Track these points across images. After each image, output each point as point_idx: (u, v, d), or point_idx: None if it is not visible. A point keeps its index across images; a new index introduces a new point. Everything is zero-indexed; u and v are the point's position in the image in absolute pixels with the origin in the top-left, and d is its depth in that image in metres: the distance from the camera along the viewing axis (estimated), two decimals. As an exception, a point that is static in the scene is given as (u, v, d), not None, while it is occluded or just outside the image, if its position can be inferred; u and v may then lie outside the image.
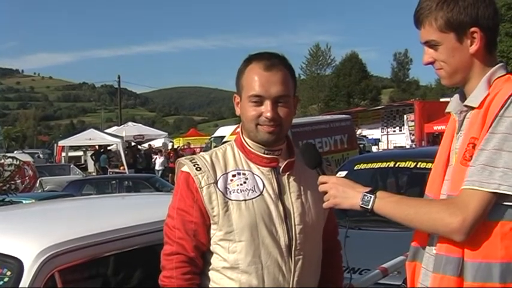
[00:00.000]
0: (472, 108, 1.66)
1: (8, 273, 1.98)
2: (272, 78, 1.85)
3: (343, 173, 5.48)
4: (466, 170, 1.58)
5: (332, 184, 1.75)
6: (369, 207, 1.66)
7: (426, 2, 1.68)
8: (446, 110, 1.79)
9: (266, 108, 1.84)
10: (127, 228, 2.34)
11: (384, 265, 2.96)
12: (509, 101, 1.54)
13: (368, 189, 1.69)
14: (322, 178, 1.80)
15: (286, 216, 1.87)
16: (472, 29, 1.63)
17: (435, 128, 24.90)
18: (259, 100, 1.85)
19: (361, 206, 1.67)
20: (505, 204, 1.53)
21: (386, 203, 1.65)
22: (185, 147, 29.54)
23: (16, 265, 1.98)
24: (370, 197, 1.66)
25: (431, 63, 1.71)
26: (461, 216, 1.52)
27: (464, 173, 1.58)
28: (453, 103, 1.77)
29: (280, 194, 1.88)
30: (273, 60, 1.88)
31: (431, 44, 1.69)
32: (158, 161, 25.07)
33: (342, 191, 1.72)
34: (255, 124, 1.86)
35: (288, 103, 1.88)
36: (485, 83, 1.64)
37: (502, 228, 1.54)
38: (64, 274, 2.04)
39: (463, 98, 1.73)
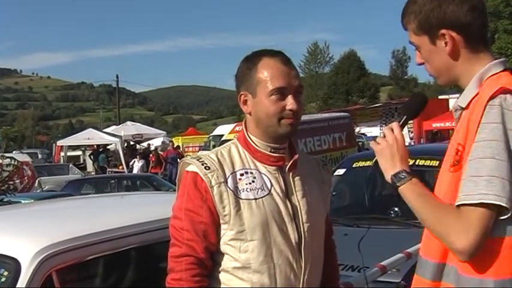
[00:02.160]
0: (462, 108, 1.62)
1: (5, 273, 1.97)
2: (291, 71, 1.87)
3: (342, 171, 5.48)
4: (451, 177, 1.54)
5: (391, 141, 1.67)
6: (398, 184, 1.60)
7: (407, 4, 1.67)
8: (450, 108, 1.78)
9: (290, 101, 1.83)
10: (125, 227, 2.33)
11: (382, 262, 2.96)
12: (488, 107, 1.48)
13: (407, 168, 1.63)
14: (394, 127, 1.70)
15: (295, 215, 1.86)
16: (442, 31, 1.59)
17: (434, 125, 24.87)
18: (281, 93, 1.83)
19: (391, 179, 1.63)
20: (501, 219, 1.44)
21: (413, 190, 1.58)
22: (170, 148, 24.40)
23: (13, 265, 1.97)
24: (405, 176, 1.60)
25: (423, 63, 1.69)
26: (465, 238, 1.44)
27: (450, 181, 1.55)
28: (455, 100, 1.74)
29: (287, 193, 1.87)
30: (285, 55, 1.91)
31: (415, 46, 1.68)
32: (137, 164, 21.42)
33: (389, 153, 1.66)
34: (278, 118, 1.84)
35: (302, 96, 1.90)
36: (475, 82, 1.59)
37: (498, 244, 1.46)
38: (61, 274, 2.03)
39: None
